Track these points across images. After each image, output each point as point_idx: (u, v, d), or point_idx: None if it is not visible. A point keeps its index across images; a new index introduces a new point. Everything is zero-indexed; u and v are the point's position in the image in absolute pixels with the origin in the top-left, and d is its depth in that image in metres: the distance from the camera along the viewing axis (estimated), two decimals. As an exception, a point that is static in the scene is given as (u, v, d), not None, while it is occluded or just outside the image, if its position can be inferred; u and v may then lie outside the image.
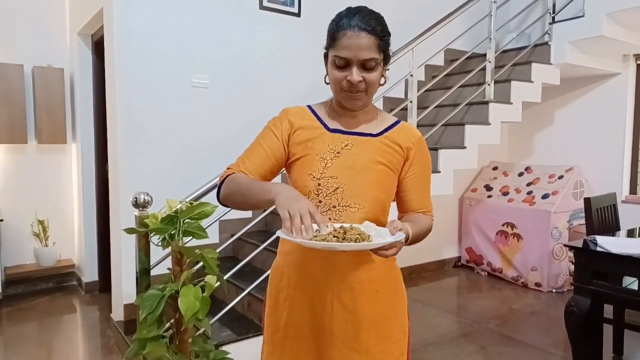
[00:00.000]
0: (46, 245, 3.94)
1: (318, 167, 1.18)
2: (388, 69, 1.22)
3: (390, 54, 1.21)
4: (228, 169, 1.21)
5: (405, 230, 1.07)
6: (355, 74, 1.12)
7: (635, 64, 4.32)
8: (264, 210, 3.01)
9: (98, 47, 3.65)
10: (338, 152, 1.20)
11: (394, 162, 1.22)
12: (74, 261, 4.13)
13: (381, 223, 1.15)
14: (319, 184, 1.17)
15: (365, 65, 1.12)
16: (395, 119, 1.29)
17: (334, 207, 1.16)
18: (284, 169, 1.28)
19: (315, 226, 0.97)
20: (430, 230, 1.26)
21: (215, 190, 1.22)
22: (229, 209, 1.32)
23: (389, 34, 1.16)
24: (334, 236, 0.99)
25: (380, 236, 1.03)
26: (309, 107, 1.28)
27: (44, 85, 3.78)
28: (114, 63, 2.97)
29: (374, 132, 1.23)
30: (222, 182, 1.19)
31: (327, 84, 1.21)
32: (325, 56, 1.20)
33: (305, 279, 1.21)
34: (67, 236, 4.13)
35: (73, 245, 4.17)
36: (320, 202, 1.17)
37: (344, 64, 1.13)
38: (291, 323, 1.23)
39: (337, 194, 1.17)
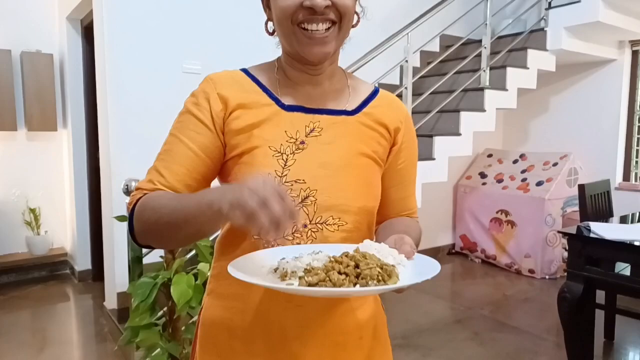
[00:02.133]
0: (38, 234, 3.91)
1: (275, 167, 0.77)
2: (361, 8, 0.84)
3: None
4: (138, 189, 0.78)
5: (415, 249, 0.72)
6: None
7: (631, 50, 4.31)
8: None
9: (88, 32, 3.58)
10: (302, 142, 0.80)
11: (380, 152, 0.85)
12: (66, 250, 4.10)
13: (369, 239, 0.76)
14: None
15: None
16: (372, 85, 0.91)
17: (305, 226, 0.78)
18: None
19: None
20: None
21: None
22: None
23: None
24: (340, 272, 0.63)
25: (397, 261, 0.68)
26: (245, 71, 0.85)
27: (33, 71, 3.71)
28: (103, 48, 2.91)
29: (350, 108, 0.85)
30: (131, 214, 0.76)
31: (271, 33, 0.85)
32: None
33: (271, 341, 0.79)
34: (59, 224, 4.09)
35: (65, 234, 4.14)
36: None
37: None
38: None
39: (308, 207, 0.78)
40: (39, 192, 3.97)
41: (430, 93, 3.48)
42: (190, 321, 2.11)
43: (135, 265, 2.15)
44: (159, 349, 1.92)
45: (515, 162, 4.56)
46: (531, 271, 4.13)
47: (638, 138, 4.35)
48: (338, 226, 0.79)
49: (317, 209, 0.78)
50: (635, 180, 4.31)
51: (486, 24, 3.67)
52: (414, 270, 0.67)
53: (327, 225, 0.79)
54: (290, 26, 0.76)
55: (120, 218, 2.00)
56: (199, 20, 3.20)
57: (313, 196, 0.78)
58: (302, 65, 0.82)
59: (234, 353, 0.81)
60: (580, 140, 4.51)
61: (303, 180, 0.77)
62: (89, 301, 3.53)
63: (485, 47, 3.61)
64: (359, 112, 0.85)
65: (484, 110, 3.52)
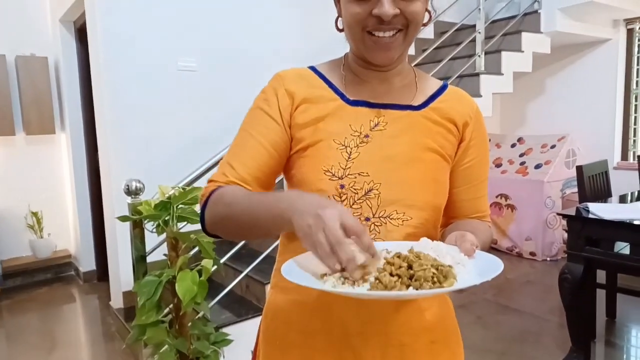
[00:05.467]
0: (41, 237, 3.93)
1: (339, 160, 0.78)
2: None
3: None
4: (210, 181, 0.80)
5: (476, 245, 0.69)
6: (387, 3, 0.72)
7: (626, 29, 4.29)
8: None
9: (81, 34, 3.57)
10: (366, 136, 0.80)
11: (447, 147, 0.83)
12: (70, 251, 4.12)
13: (434, 239, 0.72)
14: (342, 186, 0.77)
15: None
16: (440, 81, 0.89)
17: (367, 219, 0.78)
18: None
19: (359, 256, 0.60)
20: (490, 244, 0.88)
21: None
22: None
23: None
24: (391, 274, 0.61)
25: (456, 261, 0.65)
26: (313, 68, 0.87)
27: (28, 75, 3.71)
28: (98, 49, 2.91)
29: (416, 104, 0.84)
30: (204, 204, 0.78)
31: (341, 30, 0.83)
32: None
33: (331, 336, 0.80)
34: (62, 227, 4.11)
35: (69, 236, 4.16)
36: None
37: None
38: None
39: (371, 200, 0.77)
40: (40, 196, 3.98)
41: (426, 80, 3.47)
42: (197, 317, 2.13)
43: (140, 264, 2.17)
44: (166, 346, 1.95)
45: (513, 146, 4.57)
46: (532, 254, 4.15)
47: (635, 117, 4.35)
48: (402, 221, 0.78)
49: (381, 202, 0.77)
50: (633, 160, 4.31)
51: (480, 9, 3.65)
52: (475, 269, 0.63)
53: (390, 219, 0.78)
54: (359, 32, 0.76)
55: (123, 218, 2.02)
56: (193, 16, 3.19)
57: (377, 189, 0.77)
58: (367, 67, 0.83)
59: (295, 346, 0.82)
60: (577, 122, 4.51)
61: (367, 173, 0.77)
62: (95, 301, 3.56)
63: (479, 32, 3.60)
64: (425, 107, 0.84)
65: (480, 96, 3.51)
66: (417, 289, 0.59)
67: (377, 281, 0.60)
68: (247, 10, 3.42)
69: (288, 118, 0.81)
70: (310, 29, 3.67)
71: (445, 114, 0.84)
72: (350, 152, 0.78)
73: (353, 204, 0.77)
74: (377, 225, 0.77)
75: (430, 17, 0.82)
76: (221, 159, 0.87)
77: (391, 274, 0.61)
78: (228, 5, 3.34)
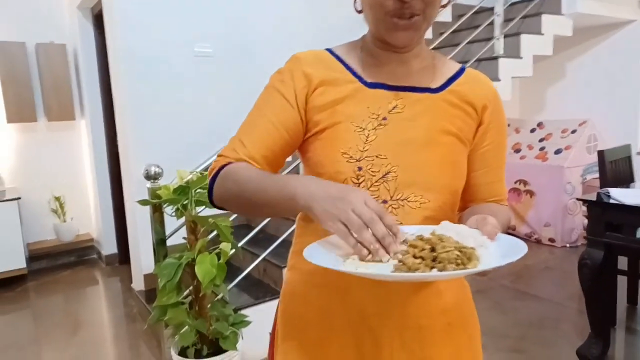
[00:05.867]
0: (64, 221, 4.03)
1: (356, 142, 0.78)
2: None
3: None
4: (220, 156, 0.82)
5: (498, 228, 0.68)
6: None
7: (652, 10, 4.15)
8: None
9: (98, 21, 3.60)
10: (384, 118, 0.79)
11: (466, 130, 0.83)
12: (92, 235, 4.22)
13: (453, 222, 0.72)
14: (360, 168, 0.77)
15: None
16: (459, 64, 0.89)
17: (384, 202, 0.78)
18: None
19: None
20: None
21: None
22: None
23: None
24: (414, 257, 0.61)
25: (478, 243, 0.65)
26: (330, 51, 0.86)
27: (48, 62, 3.77)
28: (115, 35, 2.94)
29: (434, 86, 0.83)
30: (214, 177, 0.80)
31: (359, 12, 0.82)
32: None
33: (349, 315, 0.81)
34: (84, 211, 4.21)
35: (90, 220, 4.25)
36: None
37: None
38: None
39: (388, 183, 0.77)
40: (62, 181, 4.07)
41: (444, 64, 3.43)
42: (216, 299, 2.18)
43: (160, 247, 2.22)
44: (186, 327, 1.99)
45: (532, 131, 4.50)
46: (551, 240, 4.11)
47: (660, 100, 4.23)
48: (420, 204, 0.78)
49: (399, 185, 0.77)
50: (658, 144, 4.21)
51: (499, -10, 3.57)
52: (497, 251, 0.63)
53: (408, 202, 0.78)
54: (380, 15, 0.76)
55: (143, 202, 2.06)
56: (208, 1, 3.19)
57: (394, 172, 0.77)
58: (386, 49, 0.82)
59: (313, 326, 0.84)
60: (599, 106, 4.41)
61: (384, 155, 0.78)
62: (117, 284, 3.65)
63: (498, 15, 3.52)
64: (443, 89, 0.83)
65: (499, 80, 3.45)
66: (440, 271, 0.59)
67: (401, 263, 0.60)
68: (263, -6, 3.40)
69: (303, 100, 0.81)
70: (325, 12, 3.64)
71: (464, 96, 0.84)
72: (368, 135, 0.78)
73: (370, 186, 0.77)
74: (394, 208, 0.78)
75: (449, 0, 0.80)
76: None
77: (414, 257, 0.61)
78: (244, -10, 3.32)
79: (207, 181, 0.81)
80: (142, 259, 3.06)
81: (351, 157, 0.77)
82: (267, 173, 0.77)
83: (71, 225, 4.06)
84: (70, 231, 4.05)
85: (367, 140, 0.78)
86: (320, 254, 0.65)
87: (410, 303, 0.80)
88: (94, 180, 4.00)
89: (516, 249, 0.62)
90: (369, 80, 0.82)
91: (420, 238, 0.64)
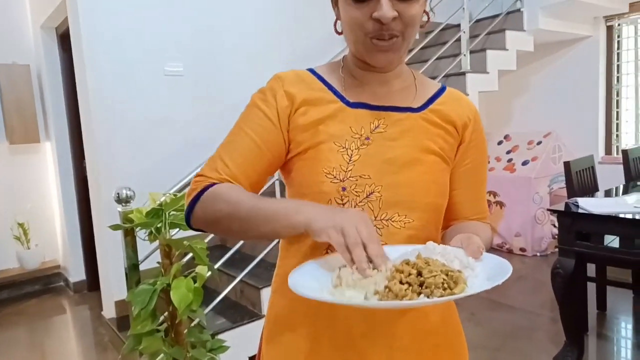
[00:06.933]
0: (28, 248, 3.86)
1: (340, 162, 0.78)
2: None
3: None
4: (200, 175, 0.79)
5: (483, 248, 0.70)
6: (386, 6, 0.72)
7: (606, 26, 4.37)
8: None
9: (64, 40, 3.52)
10: (367, 138, 0.80)
11: (447, 149, 0.84)
12: (59, 262, 4.06)
13: (436, 241, 0.73)
14: (344, 188, 0.77)
15: None
16: (439, 84, 0.91)
17: None
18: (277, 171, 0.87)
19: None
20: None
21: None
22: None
23: None
24: (401, 282, 0.61)
25: (464, 265, 0.65)
26: (312, 71, 0.86)
27: (10, 83, 3.65)
28: (82, 56, 2.87)
29: (415, 106, 0.84)
30: (195, 199, 0.77)
31: (339, 33, 0.83)
32: None
33: (336, 339, 0.79)
34: (49, 237, 4.05)
35: (57, 246, 4.09)
36: None
37: None
38: None
39: (372, 203, 0.78)
40: (26, 206, 3.91)
41: (413, 80, 3.50)
42: (192, 324, 2.11)
43: (133, 273, 2.14)
44: (162, 355, 1.92)
45: (499, 143, 4.62)
46: (522, 249, 4.20)
47: (617, 112, 4.43)
48: (404, 223, 0.78)
49: (383, 205, 0.78)
50: (617, 154, 4.39)
51: (463, 8, 3.69)
52: (483, 273, 0.64)
53: (392, 222, 0.78)
54: (359, 37, 0.76)
55: (115, 227, 1.99)
56: (178, 20, 3.17)
57: (378, 192, 0.78)
58: (366, 69, 0.83)
59: (300, 351, 0.82)
60: (562, 118, 4.58)
61: (368, 175, 0.78)
62: (87, 312, 3.50)
63: (464, 32, 3.63)
64: (424, 109, 0.84)
65: (467, 94, 3.55)
66: (428, 296, 0.59)
67: (388, 289, 0.60)
68: (232, 12, 3.41)
69: (286, 120, 0.81)
70: (296, 30, 3.67)
71: (445, 115, 0.85)
72: (351, 155, 0.79)
73: (355, 206, 0.77)
74: (379, 228, 0.78)
75: (429, 18, 0.82)
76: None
77: (401, 282, 0.60)
78: (212, 8, 3.32)
79: (183, 202, 0.81)
80: (113, 285, 2.96)
81: (335, 177, 0.77)
82: (261, 196, 0.76)
83: (36, 252, 3.90)
84: (34, 258, 3.89)
85: (350, 160, 0.78)
86: (305, 280, 0.65)
87: (398, 324, 0.80)
88: (61, 204, 3.86)
89: (501, 270, 0.63)
90: (351, 100, 0.83)
91: (407, 262, 0.64)
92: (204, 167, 0.81)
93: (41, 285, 3.99)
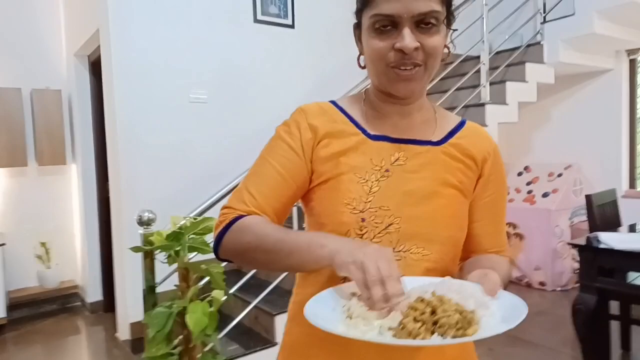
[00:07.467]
0: (49, 267, 3.93)
1: (360, 193, 0.79)
2: (454, 30, 0.85)
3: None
4: (227, 207, 0.81)
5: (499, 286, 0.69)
6: (409, 37, 0.74)
7: (628, 59, 4.35)
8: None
9: (95, 68, 3.67)
10: (387, 170, 0.81)
11: (466, 182, 0.85)
12: (77, 282, 4.11)
13: (453, 274, 0.77)
14: (363, 219, 0.78)
15: (422, 24, 0.75)
16: (458, 117, 0.92)
17: None
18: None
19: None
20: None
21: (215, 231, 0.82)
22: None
23: None
24: (415, 320, 0.61)
25: (479, 303, 0.65)
26: (334, 103, 0.88)
27: (42, 107, 3.80)
28: (112, 82, 2.99)
29: (435, 139, 0.85)
30: (224, 230, 0.79)
31: (363, 67, 0.85)
32: (357, 26, 0.83)
33: None
34: (69, 257, 4.12)
35: (76, 266, 4.16)
36: None
37: (389, 25, 0.75)
38: None
39: (391, 234, 0.78)
40: (49, 226, 4.00)
41: (432, 111, 3.52)
42: (206, 349, 2.11)
43: (150, 295, 2.17)
44: (176, 379, 1.92)
45: (520, 174, 4.58)
46: (542, 284, 4.10)
47: (641, 145, 4.36)
48: (422, 255, 0.79)
49: (401, 236, 0.78)
50: (641, 188, 4.30)
51: (483, 41, 3.73)
52: (498, 313, 0.64)
53: (410, 253, 0.79)
54: (382, 67, 0.78)
55: (136, 249, 2.03)
56: (203, 50, 3.28)
57: (397, 223, 0.79)
58: (389, 101, 0.85)
59: None
60: (583, 150, 4.52)
61: (387, 207, 0.79)
62: (102, 333, 3.53)
63: (484, 63, 3.66)
64: (444, 142, 0.85)
65: (486, 125, 3.55)
66: (441, 335, 0.59)
67: (402, 326, 0.61)
68: (255, 43, 3.51)
69: (310, 152, 0.83)
70: (317, 60, 3.75)
71: (465, 149, 0.86)
72: (371, 186, 0.80)
73: (373, 237, 0.78)
74: (396, 260, 0.76)
75: (449, 52, 0.82)
76: (232, 189, 0.88)
77: (415, 320, 0.61)
78: (237, 39, 3.43)
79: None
80: (129, 307, 2.98)
81: (354, 208, 0.78)
82: (283, 228, 0.78)
83: (56, 272, 3.96)
84: (54, 278, 3.95)
85: (370, 192, 0.79)
86: (321, 309, 0.65)
87: (413, 359, 0.79)
88: (82, 224, 3.94)
89: (517, 312, 0.63)
90: (372, 133, 0.84)
91: (421, 300, 0.64)
92: (231, 198, 0.82)
93: (59, 304, 4.04)
